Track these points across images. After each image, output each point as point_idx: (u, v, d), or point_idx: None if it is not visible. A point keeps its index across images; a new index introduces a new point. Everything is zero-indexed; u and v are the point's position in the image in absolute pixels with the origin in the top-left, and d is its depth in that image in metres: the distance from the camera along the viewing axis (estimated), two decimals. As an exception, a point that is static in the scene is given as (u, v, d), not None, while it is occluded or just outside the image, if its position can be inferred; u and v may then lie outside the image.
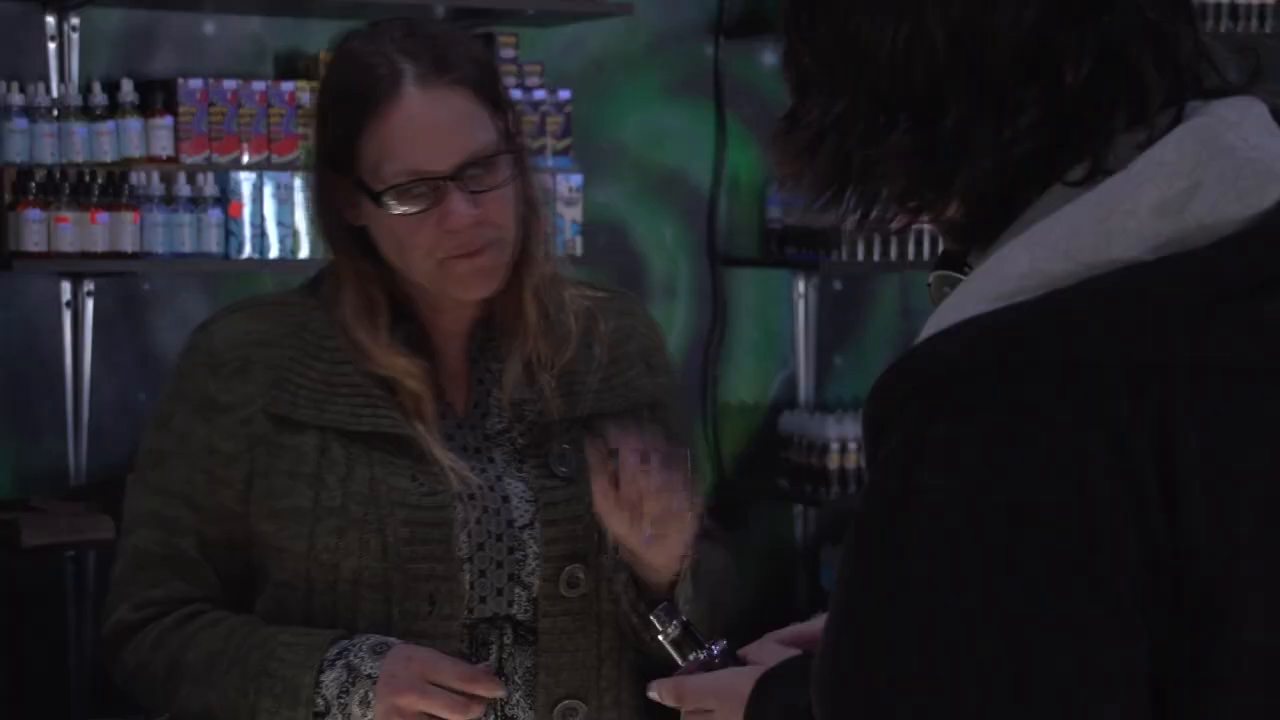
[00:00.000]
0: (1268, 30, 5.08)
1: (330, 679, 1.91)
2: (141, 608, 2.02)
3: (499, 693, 1.94)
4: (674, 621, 1.74)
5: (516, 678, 2.02)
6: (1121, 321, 1.11)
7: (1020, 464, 1.10)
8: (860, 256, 4.71)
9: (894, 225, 1.25)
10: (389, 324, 2.01)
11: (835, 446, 4.61)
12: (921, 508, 1.11)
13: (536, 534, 2.01)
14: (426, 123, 1.94)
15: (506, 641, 2.01)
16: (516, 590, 2.01)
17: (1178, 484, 1.11)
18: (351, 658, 1.92)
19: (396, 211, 1.95)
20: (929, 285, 1.32)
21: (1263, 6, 5.08)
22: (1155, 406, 1.11)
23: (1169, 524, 1.10)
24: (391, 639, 1.94)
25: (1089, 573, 1.09)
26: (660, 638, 1.75)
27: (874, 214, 1.24)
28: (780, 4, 1.29)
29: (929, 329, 1.17)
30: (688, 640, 1.71)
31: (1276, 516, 1.14)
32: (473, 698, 1.91)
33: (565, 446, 2.04)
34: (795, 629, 1.70)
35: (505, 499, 2.02)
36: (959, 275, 1.26)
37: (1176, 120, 1.17)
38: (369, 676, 1.90)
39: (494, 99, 1.99)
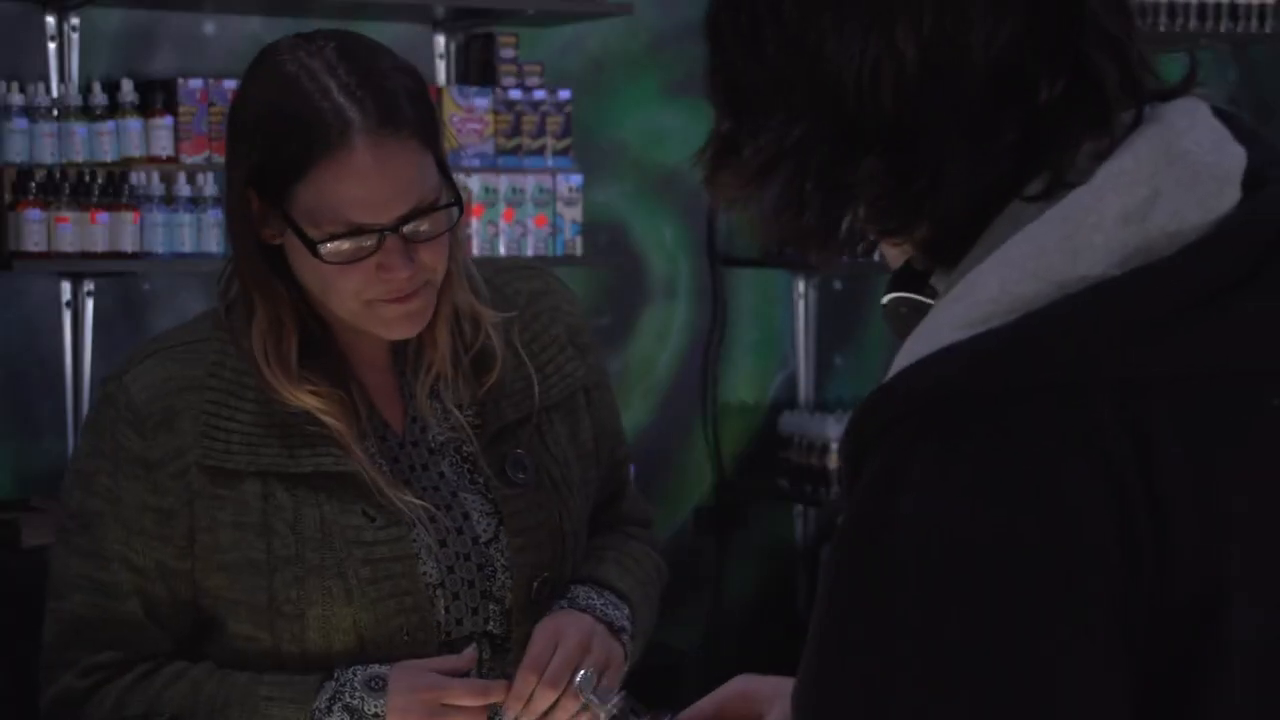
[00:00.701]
0: (1268, 30, 5.08)
1: None
2: (89, 673, 1.96)
3: (504, 696, 1.92)
4: (610, 701, 1.73)
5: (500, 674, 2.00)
6: (1094, 340, 1.11)
7: (1000, 492, 1.09)
8: (860, 257, 4.71)
9: (858, 250, 1.23)
10: (298, 352, 1.93)
11: (835, 446, 4.61)
12: (903, 536, 1.10)
13: (503, 547, 1.97)
14: (373, 181, 1.84)
15: (485, 656, 1.98)
16: (491, 607, 1.97)
17: (1164, 496, 1.10)
18: (349, 699, 1.88)
19: (330, 258, 1.86)
20: (884, 306, 1.30)
21: (1263, 6, 5.08)
22: (1135, 421, 1.10)
23: (1156, 538, 1.10)
24: (381, 669, 1.89)
25: (1072, 598, 1.09)
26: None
27: (834, 240, 1.20)
28: (708, 13, 1.22)
29: (904, 358, 1.15)
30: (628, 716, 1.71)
31: (1265, 519, 1.14)
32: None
33: (518, 451, 2.00)
34: (718, 701, 1.63)
35: (465, 515, 1.97)
36: (917, 297, 1.25)
37: (1135, 125, 1.17)
38: (376, 716, 1.87)
39: (434, 138, 1.91)
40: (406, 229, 1.86)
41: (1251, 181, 1.16)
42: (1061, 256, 1.12)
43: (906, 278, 1.27)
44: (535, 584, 1.98)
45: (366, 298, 1.89)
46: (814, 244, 1.21)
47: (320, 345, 1.96)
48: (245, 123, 1.93)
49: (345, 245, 1.86)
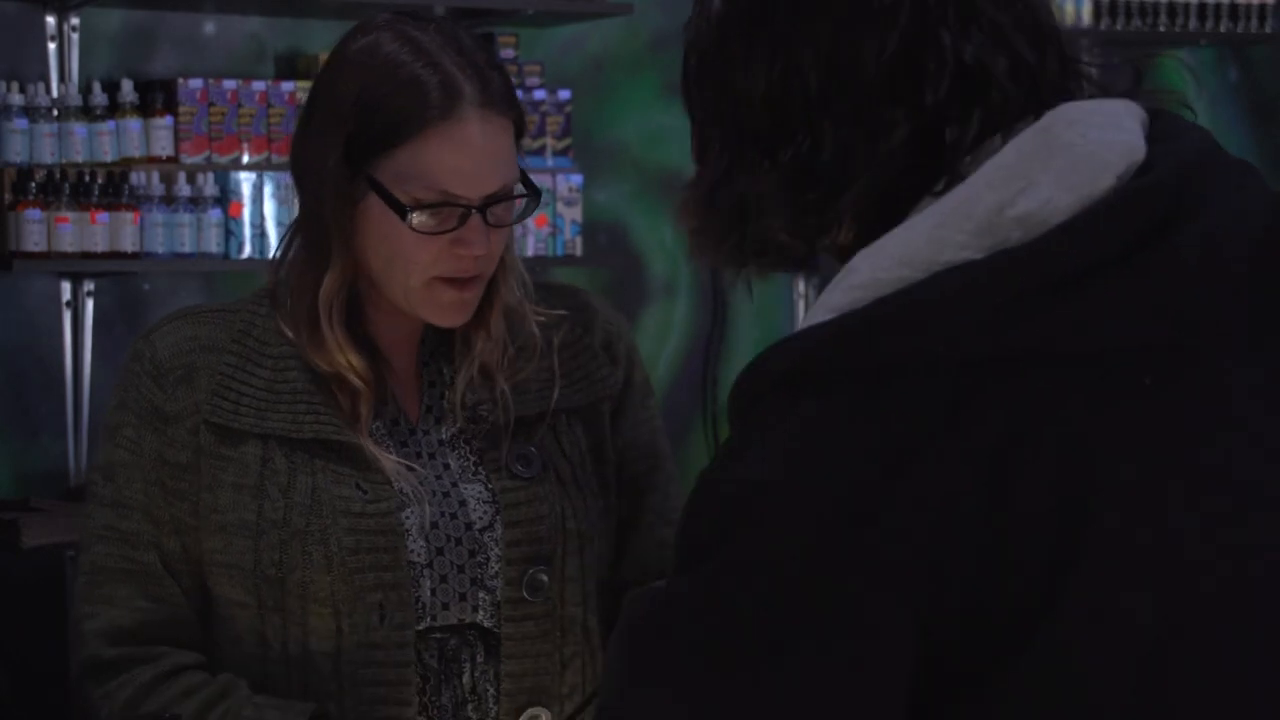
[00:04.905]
0: (1268, 30, 5.09)
1: None
2: (117, 643, 1.96)
3: None
4: None
5: (492, 689, 1.98)
6: (948, 318, 1.15)
7: (816, 477, 1.15)
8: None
9: (791, 261, 1.32)
10: (342, 320, 1.96)
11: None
12: (726, 500, 1.19)
13: (497, 536, 1.96)
14: (475, 154, 1.90)
15: (479, 659, 1.98)
16: (480, 595, 1.96)
17: (1022, 474, 1.13)
18: None
19: (418, 227, 1.89)
20: None
21: (1263, 6, 5.09)
22: (990, 398, 1.14)
23: (1006, 515, 1.13)
24: None
25: (895, 571, 1.13)
26: None
27: (770, 254, 1.31)
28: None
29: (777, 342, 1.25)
30: None
31: (1138, 496, 1.16)
32: None
33: (530, 449, 2.00)
34: None
35: (462, 502, 1.97)
36: None
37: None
38: None
39: (521, 134, 1.97)
40: (489, 210, 1.90)
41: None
42: (928, 244, 1.17)
43: None
44: (527, 578, 1.98)
45: (432, 274, 1.91)
46: (753, 265, 1.34)
47: (356, 327, 1.98)
48: (343, 87, 1.93)
49: (430, 217, 1.89)
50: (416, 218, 1.89)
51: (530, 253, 4.35)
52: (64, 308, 4.08)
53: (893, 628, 1.13)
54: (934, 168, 1.22)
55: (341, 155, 1.91)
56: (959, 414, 1.13)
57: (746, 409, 1.22)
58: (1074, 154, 1.18)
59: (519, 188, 1.96)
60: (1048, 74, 1.24)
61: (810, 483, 1.15)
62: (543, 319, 2.03)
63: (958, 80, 1.22)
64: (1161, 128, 1.24)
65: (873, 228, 1.22)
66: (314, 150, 1.95)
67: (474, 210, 1.89)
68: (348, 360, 1.94)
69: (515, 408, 2.00)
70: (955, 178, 1.20)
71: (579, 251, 4.43)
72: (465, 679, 1.96)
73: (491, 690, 1.98)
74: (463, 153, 1.89)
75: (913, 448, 1.13)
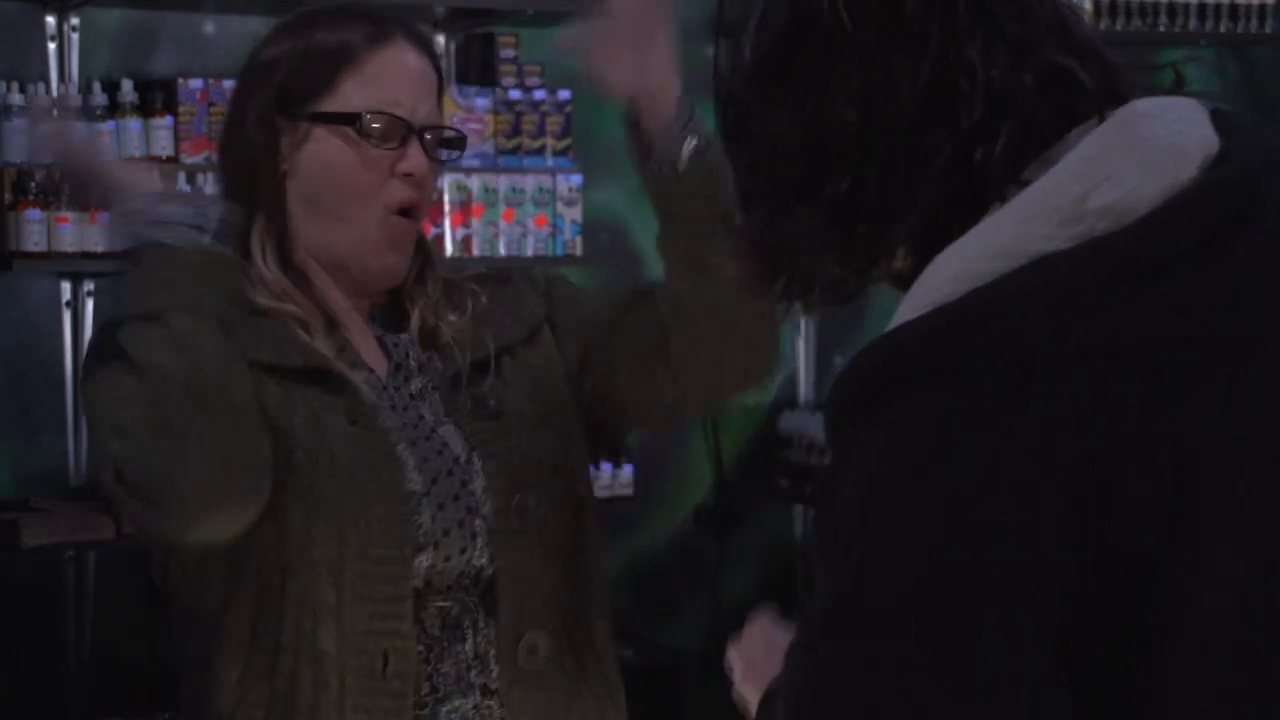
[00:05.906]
0: (1268, 30, 5.08)
1: None
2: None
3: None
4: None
5: (494, 651, 2.02)
6: (1036, 311, 1.15)
7: (928, 463, 1.15)
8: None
9: (843, 296, 1.33)
10: (278, 260, 2.03)
11: (835, 446, 4.61)
12: (842, 509, 1.19)
13: (477, 467, 2.02)
14: (411, 74, 2.04)
15: (480, 624, 2.01)
16: (476, 522, 2.01)
17: (1110, 465, 1.13)
18: None
19: (368, 133, 2.00)
20: None
21: (1263, 6, 5.09)
22: (1078, 391, 1.14)
23: (1099, 507, 1.12)
24: None
25: (1002, 573, 1.13)
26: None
27: (821, 291, 1.32)
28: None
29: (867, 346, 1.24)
30: None
31: (1222, 485, 1.15)
32: None
33: (485, 391, 2.07)
34: None
35: (445, 443, 2.03)
36: None
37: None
38: None
39: (441, 92, 2.10)
40: (427, 136, 2.03)
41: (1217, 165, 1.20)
42: (1015, 237, 1.17)
43: None
44: (514, 503, 2.02)
45: (385, 202, 2.01)
46: (798, 304, 1.33)
47: (307, 295, 2.04)
48: (276, 49, 2.05)
49: (380, 133, 2.01)
50: (365, 128, 2.00)
51: (530, 253, 4.35)
52: (64, 308, 4.08)
53: (1025, 631, 1.13)
54: (988, 185, 1.22)
55: (274, 105, 2.01)
56: (1049, 407, 1.13)
57: (842, 419, 1.22)
58: (1155, 145, 1.18)
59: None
60: (1093, 79, 1.25)
61: (914, 498, 1.15)
62: (469, 284, 2.13)
63: (992, 98, 1.22)
64: (1227, 123, 1.24)
65: (932, 253, 1.22)
66: (248, 114, 2.03)
67: (414, 134, 2.02)
68: (291, 295, 2.00)
69: (476, 347, 2.07)
70: (1011, 190, 1.20)
71: (579, 251, 4.42)
72: (468, 645, 2.00)
73: (493, 652, 2.01)
74: (399, 73, 2.03)
75: (1008, 444, 1.13)
